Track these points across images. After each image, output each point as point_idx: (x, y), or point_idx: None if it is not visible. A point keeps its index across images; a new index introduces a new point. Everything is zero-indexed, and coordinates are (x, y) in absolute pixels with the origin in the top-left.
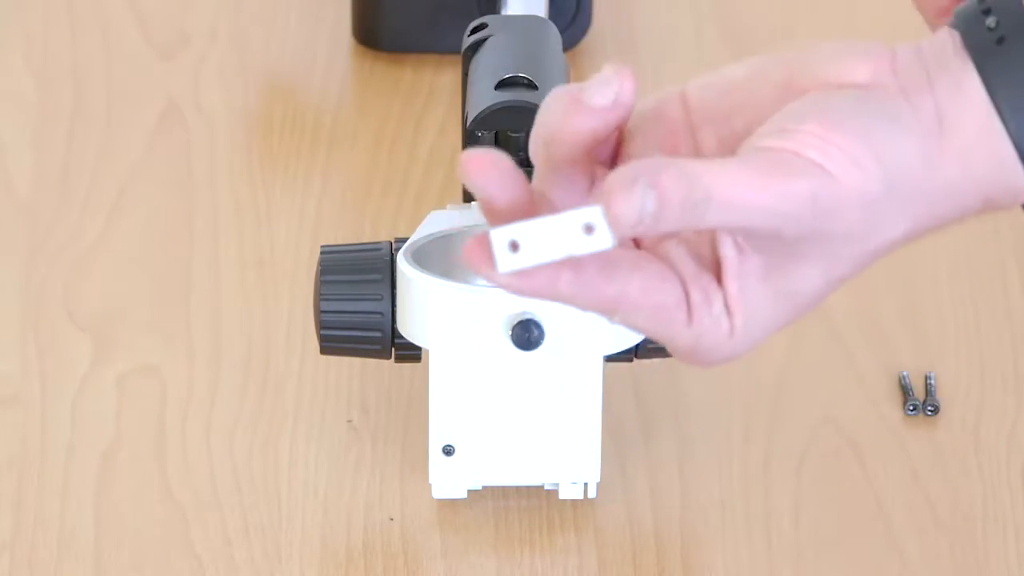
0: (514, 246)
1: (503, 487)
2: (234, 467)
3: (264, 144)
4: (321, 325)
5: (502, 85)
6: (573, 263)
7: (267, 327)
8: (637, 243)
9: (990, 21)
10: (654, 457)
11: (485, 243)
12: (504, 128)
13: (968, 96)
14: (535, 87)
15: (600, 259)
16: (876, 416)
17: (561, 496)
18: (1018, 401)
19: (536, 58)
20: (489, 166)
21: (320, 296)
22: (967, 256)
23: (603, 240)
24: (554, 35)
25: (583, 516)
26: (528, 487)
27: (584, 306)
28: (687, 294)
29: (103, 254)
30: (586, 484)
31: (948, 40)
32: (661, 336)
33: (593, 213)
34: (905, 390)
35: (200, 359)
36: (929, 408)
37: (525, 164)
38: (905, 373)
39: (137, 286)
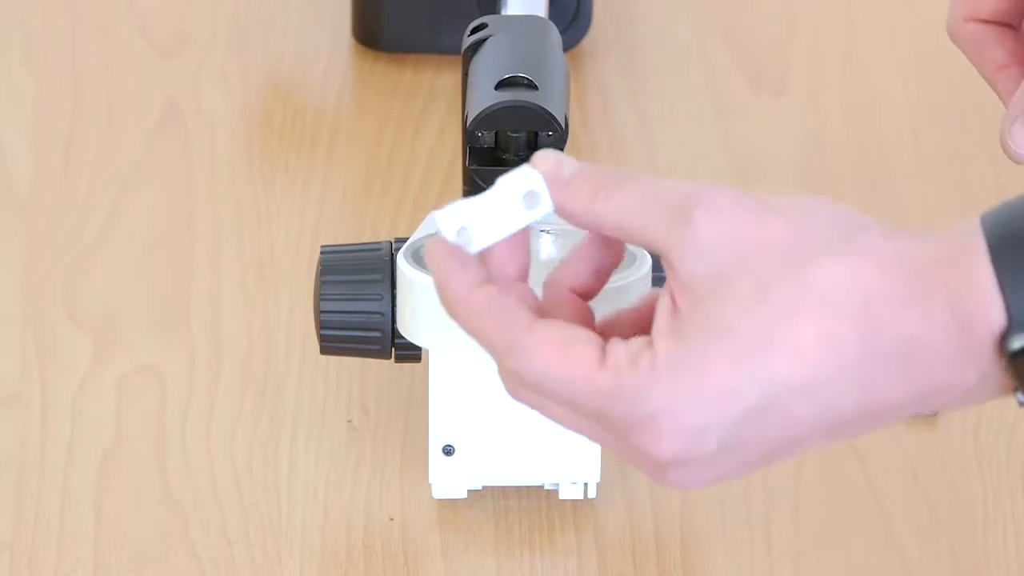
0: (463, 232)
1: (503, 487)
2: (234, 467)
3: (264, 144)
4: (321, 325)
5: (502, 85)
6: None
7: (267, 327)
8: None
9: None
10: None
11: (440, 241)
12: (504, 128)
13: (964, 226)
14: (535, 87)
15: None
16: None
17: (561, 496)
18: None
19: (536, 58)
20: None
21: (320, 296)
22: None
23: (544, 205)
24: (554, 35)
25: (583, 516)
26: (528, 487)
27: (490, 320)
28: (604, 341)
29: (103, 254)
30: (586, 484)
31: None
32: (572, 385)
33: (526, 176)
34: None
35: (200, 359)
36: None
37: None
38: None
39: (137, 286)
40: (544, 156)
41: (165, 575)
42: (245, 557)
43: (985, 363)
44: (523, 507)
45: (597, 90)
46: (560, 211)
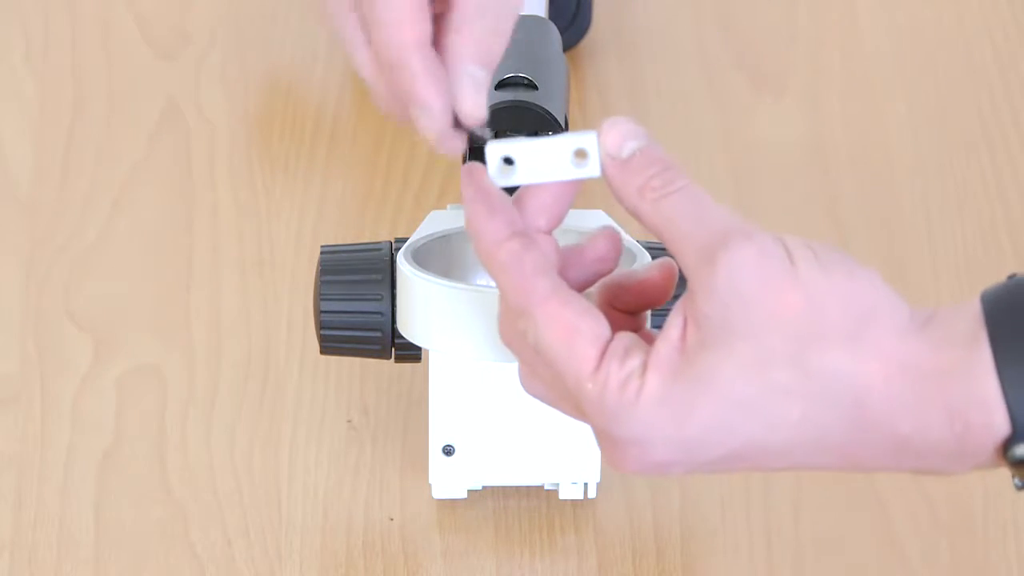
0: (508, 162)
1: (503, 487)
2: (234, 467)
3: (264, 144)
4: (321, 325)
5: (502, 85)
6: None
7: (267, 327)
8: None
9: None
10: None
11: (475, 174)
12: (504, 128)
13: (966, 308)
14: (535, 87)
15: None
16: None
17: (561, 496)
18: None
19: (536, 58)
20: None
21: (320, 296)
22: (966, 256)
23: (591, 168)
24: (554, 35)
25: (583, 516)
26: (528, 487)
27: (509, 279)
28: (610, 341)
29: (103, 254)
30: (586, 484)
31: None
32: (564, 375)
33: (587, 139)
34: None
35: (200, 359)
36: None
37: None
38: None
39: (137, 286)
40: (613, 125)
41: (165, 575)
42: (245, 557)
43: (983, 461)
44: (523, 507)
45: (597, 90)
46: (607, 183)
